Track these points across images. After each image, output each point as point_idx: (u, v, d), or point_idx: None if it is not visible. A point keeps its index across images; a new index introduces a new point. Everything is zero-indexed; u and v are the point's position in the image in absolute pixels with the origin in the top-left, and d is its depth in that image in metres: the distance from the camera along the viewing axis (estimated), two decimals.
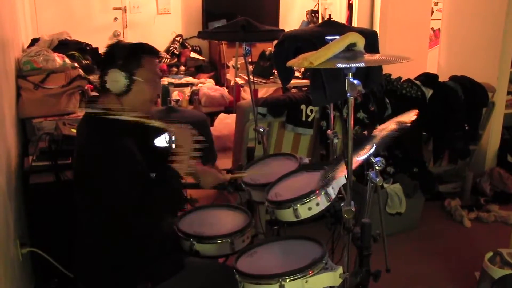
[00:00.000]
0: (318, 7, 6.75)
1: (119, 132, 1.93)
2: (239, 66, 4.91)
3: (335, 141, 2.68)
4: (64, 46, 4.50)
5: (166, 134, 2.86)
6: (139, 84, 1.95)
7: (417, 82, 4.10)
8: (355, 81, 1.65)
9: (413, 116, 2.10)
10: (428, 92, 4.04)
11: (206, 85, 5.93)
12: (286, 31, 2.83)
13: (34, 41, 4.45)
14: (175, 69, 6.44)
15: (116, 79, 1.92)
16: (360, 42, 1.77)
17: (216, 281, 2.06)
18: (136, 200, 1.85)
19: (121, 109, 1.97)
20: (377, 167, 1.99)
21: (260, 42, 5.44)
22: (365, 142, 1.94)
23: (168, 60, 6.47)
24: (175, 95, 5.70)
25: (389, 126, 2.06)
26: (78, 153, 1.97)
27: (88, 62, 4.42)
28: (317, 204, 2.03)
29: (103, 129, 1.94)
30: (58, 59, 3.77)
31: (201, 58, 6.63)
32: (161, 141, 3.00)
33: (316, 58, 1.67)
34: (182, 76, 6.26)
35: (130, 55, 1.95)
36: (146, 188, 1.89)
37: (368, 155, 1.92)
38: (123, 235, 1.94)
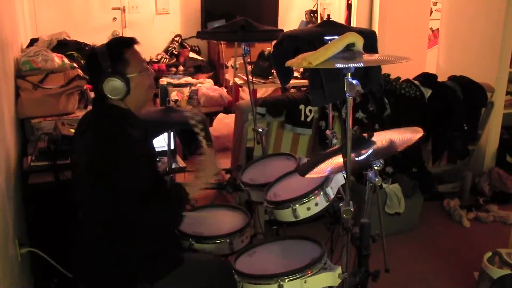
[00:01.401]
0: (317, 7, 6.75)
1: (129, 127, 1.95)
2: (238, 66, 4.91)
3: (334, 141, 2.68)
4: (63, 46, 4.51)
5: (165, 134, 2.87)
6: (135, 79, 1.97)
7: (416, 82, 4.10)
8: (354, 81, 1.65)
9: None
10: (427, 92, 4.04)
11: (205, 85, 5.93)
12: (285, 31, 2.83)
13: (33, 41, 4.45)
14: (174, 69, 6.44)
15: (114, 87, 1.93)
16: (359, 42, 1.77)
17: (215, 277, 2.06)
18: (150, 185, 1.91)
19: (127, 108, 2.01)
20: (376, 167, 1.99)
21: (259, 42, 5.44)
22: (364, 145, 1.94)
23: (167, 60, 6.47)
24: (174, 95, 5.70)
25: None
26: (88, 149, 1.94)
27: None
28: (316, 204, 2.03)
29: (114, 125, 1.96)
30: (57, 59, 3.77)
31: (200, 58, 6.63)
32: (160, 140, 3.01)
33: (315, 58, 1.67)
34: (181, 76, 6.26)
35: (113, 57, 1.95)
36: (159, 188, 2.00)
37: (367, 156, 1.92)
38: (123, 234, 1.94)
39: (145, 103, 2.10)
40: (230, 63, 5.94)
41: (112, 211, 1.90)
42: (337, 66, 1.65)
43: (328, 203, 2.05)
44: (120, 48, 1.98)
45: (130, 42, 2.02)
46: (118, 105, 2.00)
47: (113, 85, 1.92)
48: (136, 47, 2.03)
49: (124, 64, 1.96)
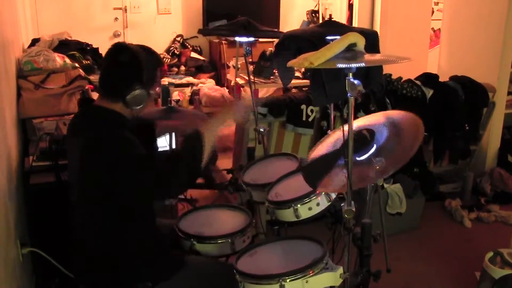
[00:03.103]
0: (319, 7, 6.75)
1: (122, 127, 1.96)
2: (239, 66, 4.91)
3: None
4: (64, 46, 4.50)
5: (167, 136, 2.88)
6: (151, 95, 2.04)
7: (418, 82, 4.10)
8: (356, 81, 1.65)
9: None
10: (429, 92, 4.04)
11: (207, 85, 5.93)
12: (286, 31, 2.84)
13: (35, 41, 4.45)
14: (175, 69, 6.45)
15: (139, 97, 1.97)
16: (361, 42, 1.77)
17: (216, 279, 2.06)
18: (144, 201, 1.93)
19: (129, 114, 2.02)
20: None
21: (261, 42, 5.45)
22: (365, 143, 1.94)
23: (169, 60, 6.47)
24: (175, 95, 5.71)
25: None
26: (85, 149, 1.93)
27: (88, 62, 4.42)
28: (318, 204, 2.03)
29: (107, 125, 1.96)
30: (59, 59, 3.77)
31: (202, 58, 6.64)
32: (163, 142, 3.01)
33: (317, 58, 1.67)
34: (183, 76, 6.26)
35: (151, 71, 2.01)
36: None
37: (369, 155, 1.92)
38: (123, 235, 1.94)
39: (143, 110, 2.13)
40: (231, 63, 5.94)
41: (110, 213, 1.90)
42: (339, 66, 1.65)
43: (329, 203, 2.05)
44: (157, 65, 2.05)
45: (162, 62, 2.14)
46: (108, 107, 1.99)
47: (140, 96, 1.97)
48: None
49: (153, 81, 2.02)
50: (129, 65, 1.97)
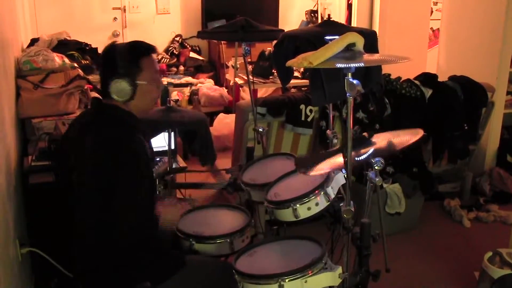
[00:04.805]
0: (318, 7, 6.75)
1: (132, 128, 1.96)
2: (238, 66, 4.91)
3: (335, 141, 2.68)
4: (63, 46, 4.51)
5: (165, 134, 2.87)
6: (143, 87, 1.98)
7: (417, 82, 4.10)
8: (355, 81, 1.65)
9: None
10: (428, 92, 4.04)
11: (206, 85, 5.93)
12: (285, 31, 2.83)
13: (34, 41, 4.45)
14: (174, 69, 6.44)
15: (120, 88, 1.94)
16: (360, 42, 1.77)
17: (216, 279, 2.06)
18: (146, 202, 1.92)
19: (140, 113, 2.03)
20: (376, 167, 1.99)
21: (260, 42, 5.45)
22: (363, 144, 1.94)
23: (168, 60, 6.47)
24: (174, 95, 5.71)
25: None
26: (88, 151, 1.93)
27: (87, 62, 4.43)
28: (317, 204, 2.03)
29: (118, 125, 1.96)
30: (58, 59, 3.77)
31: (201, 58, 6.64)
32: (160, 140, 3.01)
33: (316, 58, 1.67)
34: (182, 76, 6.26)
35: (129, 61, 1.96)
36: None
37: (367, 155, 1.92)
38: (123, 234, 1.94)
39: (145, 113, 2.10)
40: (230, 63, 5.94)
41: (111, 214, 1.90)
42: (338, 66, 1.65)
43: (328, 203, 2.05)
44: (139, 53, 1.99)
45: (149, 49, 2.03)
46: (120, 106, 1.99)
47: (120, 87, 1.93)
48: (154, 57, 2.05)
49: (137, 70, 1.97)
50: (106, 58, 1.99)
